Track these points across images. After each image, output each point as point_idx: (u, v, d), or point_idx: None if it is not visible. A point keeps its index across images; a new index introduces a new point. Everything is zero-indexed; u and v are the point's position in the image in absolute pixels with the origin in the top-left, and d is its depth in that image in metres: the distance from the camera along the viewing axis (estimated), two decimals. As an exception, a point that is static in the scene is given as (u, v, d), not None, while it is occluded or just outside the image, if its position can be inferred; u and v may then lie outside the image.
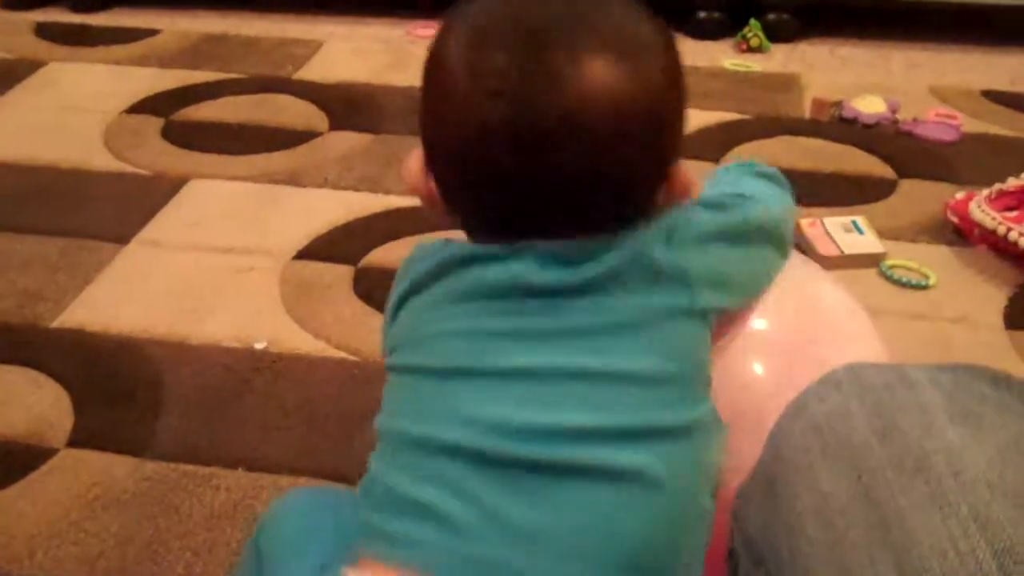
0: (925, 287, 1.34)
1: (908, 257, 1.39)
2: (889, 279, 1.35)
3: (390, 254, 1.40)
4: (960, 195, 1.46)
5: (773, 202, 0.73)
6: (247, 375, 1.19)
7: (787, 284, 0.74)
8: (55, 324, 1.28)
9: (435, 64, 0.62)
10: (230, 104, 1.85)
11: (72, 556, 0.96)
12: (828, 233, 1.40)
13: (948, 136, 1.71)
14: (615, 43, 0.59)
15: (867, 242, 1.40)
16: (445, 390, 0.61)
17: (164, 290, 1.34)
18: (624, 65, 0.58)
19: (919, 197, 1.55)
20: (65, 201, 1.55)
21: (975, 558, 0.46)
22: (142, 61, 2.03)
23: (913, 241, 1.44)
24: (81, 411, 1.14)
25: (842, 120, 1.76)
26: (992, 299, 1.32)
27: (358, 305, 1.30)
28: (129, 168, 1.64)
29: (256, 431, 1.11)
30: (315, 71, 1.99)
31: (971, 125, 1.75)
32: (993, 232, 1.36)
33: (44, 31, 2.19)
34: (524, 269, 0.60)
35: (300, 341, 1.24)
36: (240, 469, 1.06)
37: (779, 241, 0.73)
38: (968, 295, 1.33)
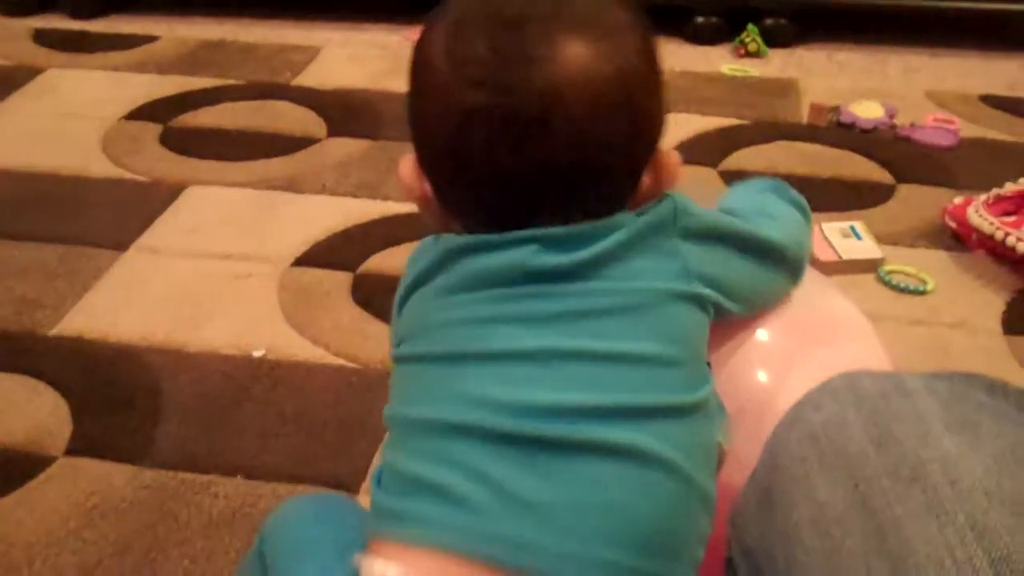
0: (923, 292, 1.34)
1: (906, 262, 1.39)
2: (887, 284, 1.35)
3: (389, 260, 1.40)
4: (958, 200, 1.46)
5: (796, 229, 0.76)
6: (245, 382, 1.19)
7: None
8: (53, 332, 1.28)
9: (418, 60, 0.64)
10: (228, 110, 1.86)
11: (71, 564, 0.96)
12: (826, 238, 1.40)
13: (946, 141, 1.71)
14: (589, 25, 0.61)
15: (865, 247, 1.40)
16: (451, 374, 0.62)
17: (162, 297, 1.34)
18: (599, 45, 0.60)
19: (917, 202, 1.55)
20: (63, 208, 1.55)
21: (972, 567, 0.46)
22: (140, 68, 2.03)
23: (911, 246, 1.44)
24: (79, 419, 1.14)
25: (840, 125, 1.76)
26: (990, 304, 1.32)
27: (356, 312, 1.30)
28: (127, 175, 1.64)
29: (254, 439, 1.11)
30: (313, 77, 1.99)
31: (969, 130, 1.76)
32: (991, 237, 1.36)
33: (43, 37, 2.19)
34: (522, 255, 0.61)
35: (298, 348, 1.24)
36: (238, 477, 1.06)
37: (794, 268, 0.75)
38: (966, 300, 1.33)
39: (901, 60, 2.08)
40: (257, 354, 1.23)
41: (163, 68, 2.03)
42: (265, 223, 1.51)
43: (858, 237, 1.41)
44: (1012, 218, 1.38)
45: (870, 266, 1.38)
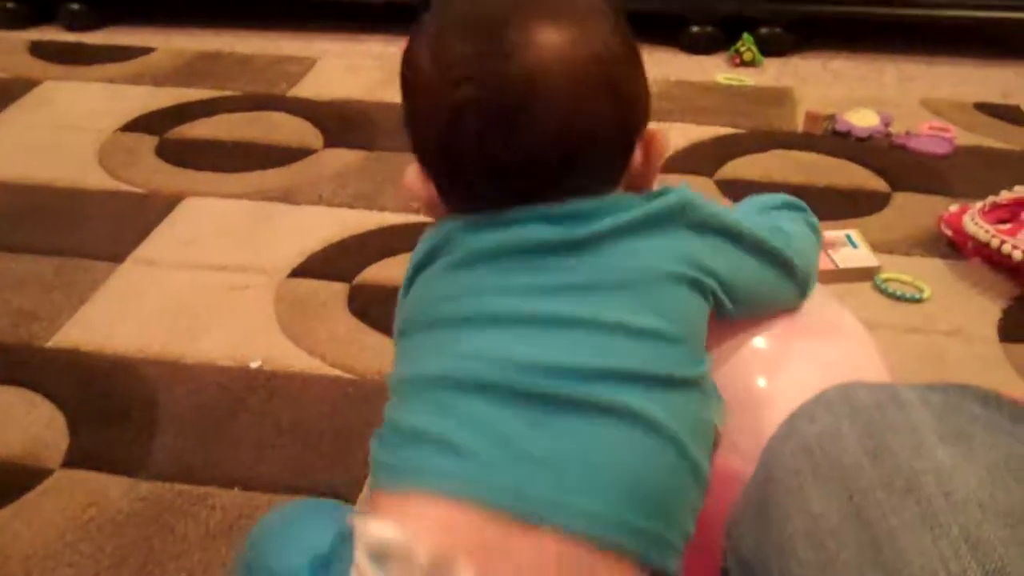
0: (919, 300, 1.34)
1: (902, 270, 1.39)
2: (883, 292, 1.35)
3: (385, 271, 1.40)
4: (954, 208, 1.47)
5: (807, 247, 0.78)
6: (242, 394, 1.18)
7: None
8: (50, 344, 1.28)
9: (408, 66, 0.67)
10: (224, 122, 1.86)
11: (67, 578, 0.96)
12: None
13: (941, 149, 1.71)
14: (562, 14, 0.64)
15: (861, 256, 1.40)
16: (457, 335, 0.64)
17: (159, 309, 1.34)
18: (573, 30, 0.63)
19: (913, 210, 1.55)
20: (60, 220, 1.55)
21: (966, 578, 0.46)
22: (136, 79, 2.03)
23: (907, 254, 1.44)
24: (76, 431, 1.13)
25: (835, 134, 1.76)
26: (986, 312, 1.32)
27: (353, 323, 1.30)
28: (123, 186, 1.64)
29: (251, 450, 1.11)
30: (309, 88, 1.99)
31: (964, 138, 1.76)
32: (987, 245, 1.36)
33: (39, 50, 2.19)
34: (527, 230, 0.64)
35: (295, 359, 1.24)
36: (235, 488, 1.06)
37: (802, 281, 0.77)
38: (962, 308, 1.33)
39: (896, 68, 2.09)
40: (253, 365, 1.23)
41: (159, 80, 2.03)
42: (261, 234, 1.51)
43: (854, 245, 1.41)
44: (1008, 226, 1.38)
45: (866, 274, 1.38)
